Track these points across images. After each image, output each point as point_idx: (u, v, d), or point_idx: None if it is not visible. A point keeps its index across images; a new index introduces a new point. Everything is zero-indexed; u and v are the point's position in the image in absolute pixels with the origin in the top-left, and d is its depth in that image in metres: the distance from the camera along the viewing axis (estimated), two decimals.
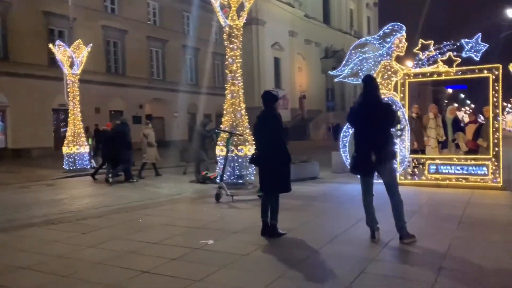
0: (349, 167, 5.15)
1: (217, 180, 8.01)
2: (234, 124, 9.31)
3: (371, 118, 4.98)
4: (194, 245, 4.99)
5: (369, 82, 5.15)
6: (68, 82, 14.90)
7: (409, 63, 11.48)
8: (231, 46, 9.37)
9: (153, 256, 4.60)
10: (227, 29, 9.38)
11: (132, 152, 12.02)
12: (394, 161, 5.15)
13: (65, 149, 14.79)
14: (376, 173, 5.19)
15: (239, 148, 9.22)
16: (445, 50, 8.99)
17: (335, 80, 10.32)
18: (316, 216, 6.52)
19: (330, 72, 11.00)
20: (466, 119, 12.56)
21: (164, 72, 31.22)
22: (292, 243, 5.10)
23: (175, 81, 30.75)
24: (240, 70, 9.54)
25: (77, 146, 14.75)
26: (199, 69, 34.12)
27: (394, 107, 5.19)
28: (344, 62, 9.96)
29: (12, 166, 16.84)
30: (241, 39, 9.46)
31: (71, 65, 14.75)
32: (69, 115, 15.03)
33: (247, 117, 9.62)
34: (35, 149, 21.76)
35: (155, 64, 31.04)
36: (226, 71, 9.63)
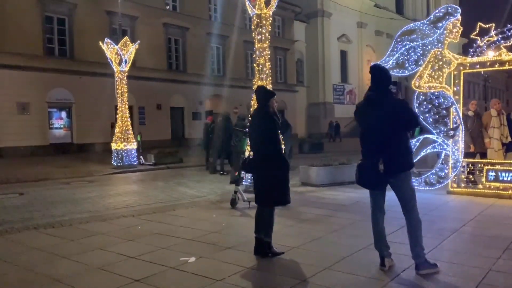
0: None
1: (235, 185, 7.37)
2: None
3: (379, 118, 4.03)
4: (173, 262, 4.41)
5: (377, 73, 4.18)
6: (116, 79, 15.09)
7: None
8: (258, 37, 8.64)
9: (118, 275, 4.09)
10: (254, 18, 8.65)
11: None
12: (411, 172, 4.11)
13: (113, 146, 15.05)
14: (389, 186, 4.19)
15: None
16: (509, 34, 7.51)
17: None
18: (332, 231, 5.62)
19: (372, 63, 9.82)
20: None
21: (224, 68, 31.10)
22: (283, 267, 4.32)
23: (235, 77, 30.50)
24: (269, 64, 8.77)
25: (125, 143, 14.92)
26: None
27: (404, 103, 4.11)
28: (388, 52, 8.78)
29: (71, 160, 17.58)
30: (269, 29, 8.68)
31: (120, 63, 14.92)
32: (118, 111, 15.25)
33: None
34: (99, 144, 22.67)
35: (215, 60, 31.04)
36: (254, 64, 8.91)
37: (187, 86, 27.96)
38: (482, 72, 28.86)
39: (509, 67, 7.68)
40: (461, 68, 8.07)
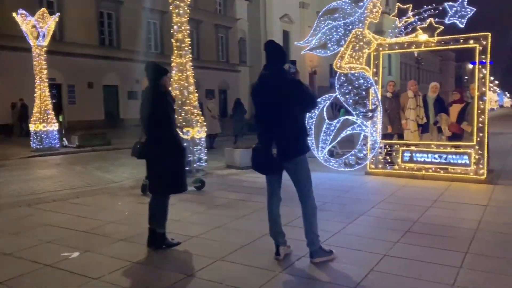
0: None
1: None
2: (180, 102, 8.14)
3: (273, 98, 3.77)
4: (50, 259, 3.96)
5: (272, 50, 3.90)
6: (34, 54, 13.87)
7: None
8: (176, 10, 8.11)
9: None
10: None
11: None
12: (306, 157, 3.90)
13: (31, 127, 13.95)
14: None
15: (184, 130, 8.09)
16: (425, 15, 7.55)
17: (302, 52, 8.98)
18: (241, 216, 5.39)
19: (296, 43, 9.64)
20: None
21: (162, 45, 29.91)
22: (173, 260, 4.01)
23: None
24: (189, 39, 8.29)
25: (44, 124, 13.86)
26: (200, 42, 32.70)
27: (300, 84, 3.87)
28: (311, 31, 8.59)
29: None
30: (188, 2, 8.17)
31: (37, 36, 13.70)
32: (36, 90, 14.08)
33: (196, 94, 8.44)
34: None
35: (152, 37, 29.77)
36: (172, 40, 8.39)
37: (122, 64, 26.57)
38: (415, 54, 29.72)
39: (425, 49, 7.74)
40: (380, 49, 8.05)
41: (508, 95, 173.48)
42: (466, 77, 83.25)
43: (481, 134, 7.14)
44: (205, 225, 5.02)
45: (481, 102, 7.17)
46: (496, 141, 14.22)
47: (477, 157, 7.15)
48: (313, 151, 8.48)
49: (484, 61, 7.14)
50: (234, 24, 35.92)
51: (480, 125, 7.16)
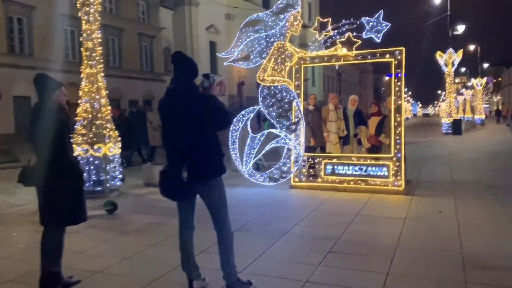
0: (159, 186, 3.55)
1: None
2: (90, 117, 7.45)
3: (182, 115, 3.40)
4: None
5: (179, 62, 3.56)
6: None
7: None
8: (85, 17, 7.45)
9: None
10: None
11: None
12: (222, 179, 3.57)
13: None
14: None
15: (95, 147, 7.41)
16: (344, 30, 7.62)
17: (224, 64, 8.71)
18: (155, 244, 4.90)
19: (218, 54, 9.38)
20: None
21: (80, 53, 28.15)
22: None
23: None
24: (100, 48, 7.65)
25: None
26: (123, 51, 31.36)
27: (212, 100, 3.55)
28: (234, 43, 8.36)
29: None
30: (100, 8, 7.55)
31: None
32: None
33: (109, 107, 7.80)
34: None
35: (69, 44, 27.97)
36: (82, 49, 7.71)
37: (35, 73, 24.52)
38: (337, 67, 30.79)
39: (345, 62, 7.82)
40: (302, 62, 8.01)
41: (420, 104, 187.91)
42: (383, 88, 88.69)
43: (398, 146, 7.30)
44: (112, 256, 4.48)
45: (397, 115, 7.35)
46: (411, 150, 15.01)
47: (395, 168, 7.30)
48: (237, 165, 8.21)
49: (399, 73, 7.34)
50: (158, 33, 34.98)
51: (397, 137, 7.33)
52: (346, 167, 7.63)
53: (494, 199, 6.76)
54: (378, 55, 7.48)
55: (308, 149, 8.11)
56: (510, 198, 6.79)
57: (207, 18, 40.72)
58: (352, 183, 7.58)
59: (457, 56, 23.81)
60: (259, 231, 5.32)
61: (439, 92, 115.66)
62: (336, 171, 7.70)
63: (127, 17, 30.78)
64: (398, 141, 7.32)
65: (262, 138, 8.05)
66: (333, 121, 8.23)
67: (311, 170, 7.95)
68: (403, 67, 7.27)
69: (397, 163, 7.29)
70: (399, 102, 7.35)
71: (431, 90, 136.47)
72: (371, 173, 7.45)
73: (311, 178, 7.95)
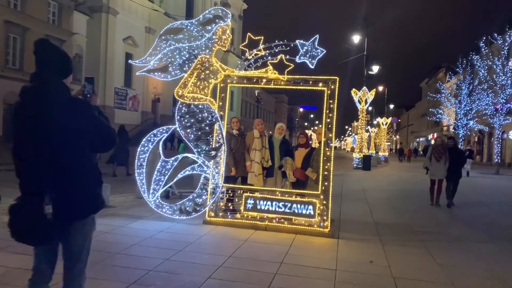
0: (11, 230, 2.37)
1: None
2: None
3: (46, 124, 2.28)
4: None
5: (44, 53, 2.48)
6: None
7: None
8: None
9: None
10: None
11: None
12: (94, 219, 2.50)
13: None
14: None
15: None
16: (277, 51, 6.94)
17: (137, 73, 7.53)
18: None
19: (130, 61, 8.18)
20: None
21: (22, 62, 24.79)
22: None
23: None
24: None
25: None
26: (26, 53, 28.02)
27: (91, 108, 2.49)
28: (151, 50, 7.25)
29: None
30: None
31: None
32: None
33: None
34: None
35: (10, 51, 24.52)
36: None
37: None
38: (256, 93, 30.66)
39: (275, 86, 7.10)
40: (228, 81, 7.15)
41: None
42: (297, 119, 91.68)
43: (326, 183, 6.67)
44: None
45: (327, 149, 6.75)
46: None
47: (321, 207, 6.64)
48: (143, 194, 6.98)
49: (331, 105, 6.78)
50: (69, 38, 32.13)
51: (326, 173, 6.71)
52: (269, 203, 6.80)
53: (421, 247, 6.35)
54: (310, 82, 6.88)
55: (227, 179, 7.17)
56: (436, 246, 6.44)
57: (126, 29, 38.66)
58: (274, 221, 6.76)
59: (370, 95, 24.88)
60: (162, 285, 4.18)
61: (346, 127, 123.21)
62: (258, 207, 6.83)
63: (35, 16, 27.78)
64: (326, 177, 6.69)
65: (176, 163, 6.96)
66: (257, 150, 7.39)
67: (229, 204, 7.00)
68: (336, 98, 6.73)
69: (324, 202, 6.64)
70: (330, 135, 6.77)
71: (340, 124, 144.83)
72: (296, 211, 6.71)
73: (228, 213, 6.99)
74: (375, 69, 28.27)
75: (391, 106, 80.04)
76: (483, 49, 28.35)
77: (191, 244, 5.78)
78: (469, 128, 33.93)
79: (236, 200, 7.05)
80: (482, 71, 28.20)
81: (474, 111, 31.63)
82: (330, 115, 6.79)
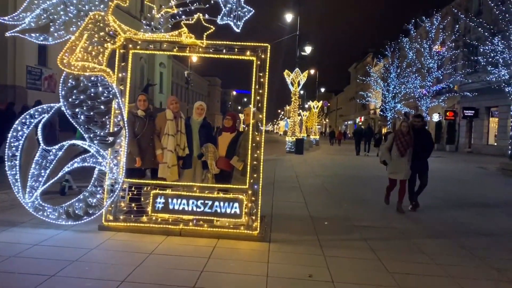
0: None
1: None
2: None
3: None
4: None
5: None
6: None
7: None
8: None
9: None
10: None
11: None
12: None
13: None
14: None
15: None
16: (193, 8, 5.47)
17: (7, 34, 5.68)
18: None
19: (0, 19, 6.24)
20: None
21: None
22: None
23: None
24: None
25: None
26: None
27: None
28: (25, 4, 5.46)
29: None
30: None
31: None
32: None
33: None
34: None
35: None
36: None
37: None
38: (185, 74, 28.88)
39: (191, 54, 5.64)
40: (130, 46, 5.57)
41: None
42: (230, 103, 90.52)
43: (255, 175, 5.41)
44: None
45: (256, 133, 5.47)
46: None
47: (249, 205, 5.38)
48: (16, 194, 5.30)
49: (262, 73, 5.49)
50: None
51: (255, 162, 5.44)
52: (184, 201, 5.40)
53: (367, 249, 5.33)
54: (236, 50, 5.51)
55: (131, 173, 5.65)
56: (382, 246, 5.47)
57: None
58: (191, 224, 5.39)
59: (303, 77, 24.11)
60: None
61: (279, 111, 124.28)
62: (171, 207, 5.41)
63: None
64: (255, 167, 5.43)
65: (61, 153, 5.32)
66: (170, 135, 5.90)
67: (133, 205, 5.50)
68: (267, 69, 5.45)
69: (253, 198, 5.39)
70: (260, 115, 5.49)
71: (273, 108, 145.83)
72: (218, 210, 5.38)
73: (132, 216, 5.50)
74: (308, 50, 27.56)
75: (322, 90, 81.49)
76: (412, 31, 28.71)
77: (78, 260, 4.27)
78: (397, 111, 34.74)
79: (142, 199, 5.57)
80: (411, 53, 28.59)
81: (402, 94, 32.28)
82: (260, 91, 5.50)
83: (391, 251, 5.28)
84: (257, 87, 5.46)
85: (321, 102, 46.37)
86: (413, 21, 28.18)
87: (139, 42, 5.57)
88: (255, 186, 5.40)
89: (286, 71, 24.39)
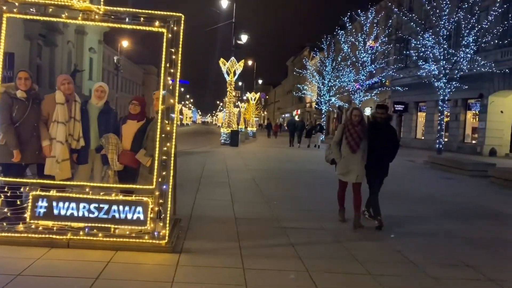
0: None
1: None
2: None
3: None
4: None
5: None
6: None
7: None
8: None
9: None
10: None
11: None
12: None
13: None
14: None
15: None
16: None
17: None
18: None
19: None
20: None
21: None
22: None
23: None
24: None
25: None
26: None
27: None
28: None
29: None
30: None
31: None
32: None
33: None
34: None
35: None
36: None
37: None
38: (115, 59, 26.81)
39: (86, 22, 4.55)
40: (5, 8, 4.37)
41: (200, 112, 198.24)
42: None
43: (164, 173, 4.48)
44: None
45: (166, 122, 4.54)
46: (186, 162, 12.70)
47: (156, 209, 4.45)
48: None
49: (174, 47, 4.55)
50: None
51: (164, 157, 4.51)
52: (73, 205, 4.35)
53: (295, 257, 4.62)
54: (142, 19, 4.52)
55: (8, 169, 4.48)
56: (312, 254, 4.79)
57: None
58: (82, 232, 4.35)
59: (239, 66, 23.32)
60: None
61: (218, 102, 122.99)
62: (56, 211, 4.34)
63: None
64: (164, 163, 4.50)
65: None
66: (61, 122, 4.78)
67: (5, 209, 4.36)
68: (181, 44, 4.52)
69: (161, 200, 4.46)
70: (171, 100, 4.56)
71: (212, 99, 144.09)
72: (117, 215, 4.40)
73: (5, 224, 4.35)
74: (244, 38, 26.78)
75: (260, 82, 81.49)
76: (347, 25, 28.90)
77: None
78: (331, 104, 35.10)
79: (19, 202, 4.43)
80: (346, 47, 28.80)
81: (336, 87, 32.59)
82: (172, 70, 4.56)
83: (321, 260, 4.61)
84: (167, 65, 4.51)
85: (258, 94, 45.90)
86: (349, 15, 28.45)
87: (17, 4, 4.39)
88: (164, 186, 4.48)
89: (222, 59, 23.49)
